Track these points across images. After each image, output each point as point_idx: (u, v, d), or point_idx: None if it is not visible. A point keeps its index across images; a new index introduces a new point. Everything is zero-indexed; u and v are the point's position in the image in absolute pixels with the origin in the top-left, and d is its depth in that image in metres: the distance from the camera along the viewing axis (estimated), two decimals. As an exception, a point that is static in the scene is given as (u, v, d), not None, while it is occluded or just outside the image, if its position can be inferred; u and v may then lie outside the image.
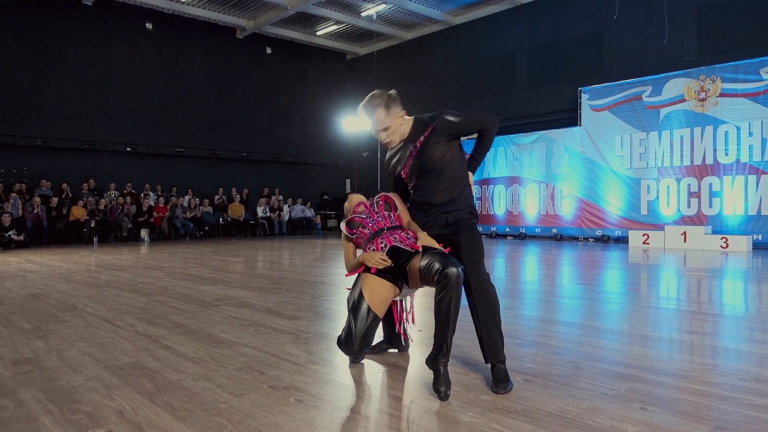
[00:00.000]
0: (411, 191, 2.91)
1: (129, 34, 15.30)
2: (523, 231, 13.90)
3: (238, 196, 16.06)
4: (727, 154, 10.60)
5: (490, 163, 14.68)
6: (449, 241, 2.63)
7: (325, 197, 18.76)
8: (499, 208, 14.52)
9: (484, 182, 14.82)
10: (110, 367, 2.77)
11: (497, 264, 7.99)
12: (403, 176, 2.85)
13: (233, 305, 4.51)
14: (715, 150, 10.74)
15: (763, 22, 10.77)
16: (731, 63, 10.55)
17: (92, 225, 12.80)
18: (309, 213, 17.27)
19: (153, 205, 14.13)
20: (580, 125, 12.78)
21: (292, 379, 2.57)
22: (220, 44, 16.95)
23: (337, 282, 6.04)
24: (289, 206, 16.91)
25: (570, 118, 13.30)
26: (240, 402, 2.26)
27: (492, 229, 14.57)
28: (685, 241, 10.53)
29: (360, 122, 16.10)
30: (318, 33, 18.09)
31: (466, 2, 15.51)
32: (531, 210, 13.79)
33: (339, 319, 4.01)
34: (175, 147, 16.01)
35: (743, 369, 2.70)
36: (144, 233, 13.51)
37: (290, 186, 18.00)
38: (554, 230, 13.22)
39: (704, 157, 10.88)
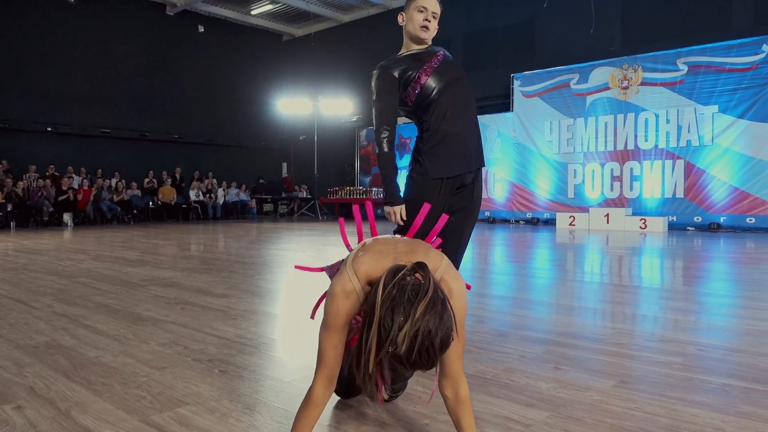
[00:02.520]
0: (427, 118, 2.26)
1: (48, 7, 14.37)
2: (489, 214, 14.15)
3: (170, 179, 15.53)
4: (646, 140, 11.18)
5: (426, 148, 14.83)
6: (453, 213, 2.23)
7: (261, 181, 18.43)
8: (434, 191, 14.72)
9: (421, 166, 14.98)
10: (22, 347, 2.64)
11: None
12: (422, 83, 2.22)
13: (160, 285, 4.38)
14: (636, 136, 11.30)
15: (681, 16, 11.37)
16: (651, 53, 11.10)
17: (9, 209, 12.06)
18: (244, 197, 16.94)
19: (76, 188, 13.44)
20: (512, 111, 13.13)
21: (217, 352, 2.54)
22: (149, 20, 16.22)
23: (271, 262, 5.98)
24: (223, 190, 16.51)
25: (503, 103, 13.63)
26: (161, 374, 2.21)
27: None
28: (608, 222, 11.06)
29: (296, 104, 15.77)
30: (253, 12, 17.63)
31: (402, -14, 15.53)
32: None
33: (269, 296, 3.98)
34: (101, 128, 15.26)
35: (651, 331, 2.89)
36: (67, 217, 12.85)
37: (225, 169, 17.55)
38: (487, 213, 13.56)
39: (626, 143, 11.43)
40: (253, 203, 17.10)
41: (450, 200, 2.25)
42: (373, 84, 2.36)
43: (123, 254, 6.69)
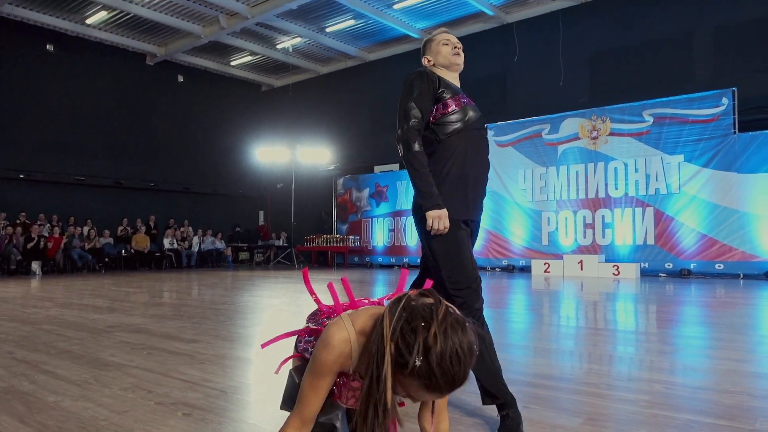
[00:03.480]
0: (444, 145, 2.12)
1: (26, 55, 14.47)
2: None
3: (144, 227, 15.35)
4: (616, 188, 11.47)
5: (403, 196, 15.00)
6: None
7: (237, 229, 18.32)
8: (411, 239, 14.79)
9: (397, 214, 15.09)
10: (-23, 392, 2.54)
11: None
12: (449, 107, 2.13)
13: (127, 331, 4.28)
14: (606, 184, 11.59)
15: (646, 70, 11.89)
16: (618, 105, 11.53)
17: (-25, 256, 11.75)
18: (220, 245, 16.78)
19: (47, 235, 13.19)
20: (486, 160, 13.38)
21: (181, 395, 2.47)
22: (128, 70, 16.39)
23: (244, 308, 5.89)
24: (199, 238, 16.35)
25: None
26: (121, 418, 2.14)
27: (404, 260, 14.78)
28: (581, 269, 11.18)
29: (274, 153, 15.85)
30: (232, 63, 17.97)
31: (379, 40, 16.03)
32: (442, 241, 14.15)
33: (240, 340, 3.92)
34: (75, 175, 15.13)
35: (621, 371, 2.90)
36: (35, 266, 12.55)
37: (201, 217, 17.44)
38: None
39: (597, 191, 11.70)
40: (229, 251, 16.94)
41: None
42: (409, 81, 2.18)
43: (92, 302, 6.53)
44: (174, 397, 2.43)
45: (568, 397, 2.41)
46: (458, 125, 2.10)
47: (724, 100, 10.39)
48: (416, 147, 2.05)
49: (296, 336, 1.61)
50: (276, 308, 5.95)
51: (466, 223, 2.10)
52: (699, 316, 5.34)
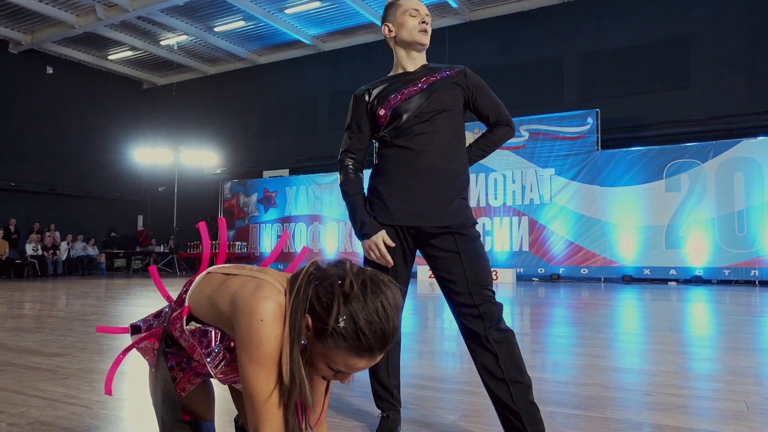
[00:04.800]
0: (386, 144, 1.94)
1: None
2: (324, 268, 14.20)
3: (2, 231, 13.87)
4: (496, 198, 12.17)
5: (292, 202, 14.85)
6: (435, 249, 1.89)
7: (113, 234, 17.13)
8: (300, 245, 14.67)
9: (285, 220, 14.91)
10: None
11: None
12: (385, 112, 1.92)
13: (-23, 346, 3.84)
14: (487, 194, 12.26)
15: (523, 89, 12.74)
16: (498, 120, 12.24)
17: None
18: (92, 251, 15.59)
19: None
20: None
21: (40, 414, 2.26)
22: (-14, 57, 14.82)
23: (117, 318, 5.52)
24: (68, 244, 15.07)
25: (367, 160, 14.07)
26: (-35, 442, 1.92)
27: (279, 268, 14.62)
28: (464, 274, 11.70)
29: (156, 154, 15.00)
30: (110, 57, 16.85)
31: (270, 43, 15.79)
32: (330, 248, 14.19)
33: (111, 353, 3.66)
34: None
35: (494, 371, 3.08)
36: None
37: (71, 221, 16.07)
38: (352, 267, 13.73)
39: (479, 200, 12.34)
40: (103, 258, 15.78)
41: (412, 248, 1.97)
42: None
43: (-66, 314, 5.79)
44: (31, 417, 2.22)
45: (445, 396, 2.52)
46: (392, 132, 1.90)
47: (589, 120, 11.40)
48: (342, 177, 1.97)
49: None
50: (153, 318, 5.63)
51: (402, 231, 1.90)
52: (566, 317, 5.79)
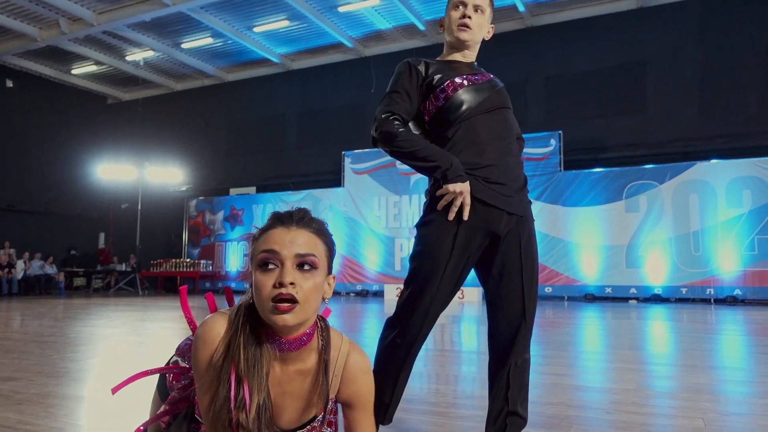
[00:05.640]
0: (448, 125, 1.77)
1: None
2: (290, 287, 14.09)
3: (-46, 249, 13.36)
4: (463, 217, 12.30)
5: (259, 220, 14.73)
6: (496, 257, 1.74)
7: (73, 252, 16.64)
8: (267, 264, 14.55)
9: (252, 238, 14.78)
10: None
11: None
12: (450, 92, 1.77)
13: (-74, 370, 3.68)
14: (454, 213, 12.39)
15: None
16: (465, 140, 12.46)
17: None
18: (51, 270, 15.10)
19: None
20: (343, 186, 13.68)
21: (-8, 442, 2.18)
22: (-59, 69, 14.37)
23: (76, 339, 5.36)
24: (24, 262, 14.58)
25: (335, 179, 14.16)
26: None
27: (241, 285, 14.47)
28: (431, 293, 11.76)
29: (119, 171, 14.71)
30: (74, 71, 16.54)
31: (238, 61, 15.76)
32: (298, 266, 14.11)
33: (68, 376, 3.55)
34: None
35: (463, 390, 3.10)
36: None
37: (29, 239, 15.56)
38: (320, 286, 13.67)
39: (446, 219, 12.46)
40: (61, 277, 15.30)
41: (475, 255, 1.74)
42: (392, 78, 1.87)
43: None
44: (-18, 444, 2.14)
45: (412, 417, 2.53)
46: (464, 112, 1.75)
47: (552, 141, 11.69)
48: (397, 130, 1.69)
49: (160, 374, 1.48)
50: (114, 339, 5.49)
51: (483, 225, 1.69)
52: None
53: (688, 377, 3.46)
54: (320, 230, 1.31)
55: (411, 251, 1.78)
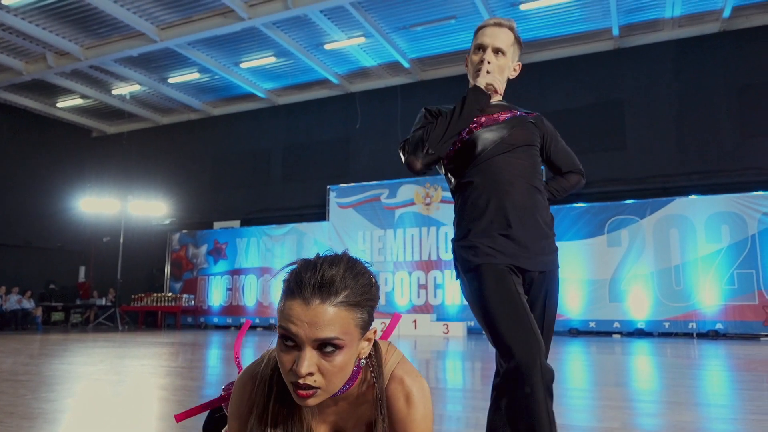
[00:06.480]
0: (464, 188, 1.78)
1: None
2: (273, 322, 13.91)
3: (-72, 283, 13.04)
4: (447, 252, 12.34)
5: (243, 253, 14.63)
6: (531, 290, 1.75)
7: (52, 286, 16.32)
8: (249, 298, 14.37)
9: (236, 272, 14.63)
10: None
11: (246, 354, 7.80)
12: (468, 132, 1.77)
13: None
14: (438, 247, 12.43)
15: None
16: (449, 175, 12.60)
17: None
18: (28, 304, 14.77)
19: None
20: (328, 220, 13.69)
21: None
22: (-76, 101, 14.26)
23: (52, 378, 5.22)
24: (1, 296, 14.26)
25: (319, 213, 14.17)
26: None
27: (241, 321, 14.25)
28: (415, 328, 11.70)
29: (102, 204, 14.56)
30: (59, 105, 16.53)
31: (224, 96, 15.89)
32: (282, 301, 13.97)
33: (43, 417, 3.45)
34: None
35: (448, 430, 3.06)
36: None
37: (7, 273, 15.27)
38: (303, 320, 13.52)
39: (430, 254, 12.50)
40: (39, 311, 14.96)
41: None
42: (413, 126, 1.91)
43: None
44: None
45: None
46: (482, 153, 1.74)
47: (536, 177, 11.85)
48: (415, 134, 1.77)
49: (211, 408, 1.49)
50: (91, 377, 5.36)
51: (517, 272, 1.68)
52: (515, 372, 5.83)
53: (674, 415, 3.47)
54: (351, 299, 1.11)
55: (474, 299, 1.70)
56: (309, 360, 1.06)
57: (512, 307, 1.60)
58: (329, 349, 1.08)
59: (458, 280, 1.78)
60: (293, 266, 1.14)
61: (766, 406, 3.78)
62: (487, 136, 1.75)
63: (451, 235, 1.82)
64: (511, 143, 1.76)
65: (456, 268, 1.77)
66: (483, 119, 1.77)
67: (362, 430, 1.23)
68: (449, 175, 1.85)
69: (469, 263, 1.67)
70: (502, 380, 1.61)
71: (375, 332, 1.21)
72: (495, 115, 1.80)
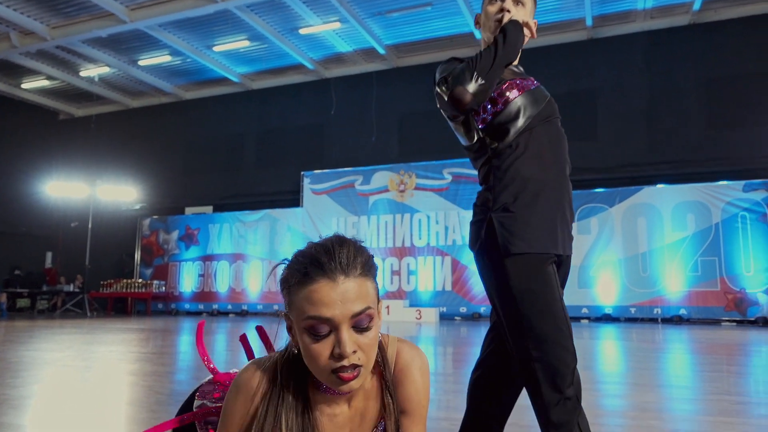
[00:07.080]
0: (504, 152, 1.61)
1: None
2: (245, 308, 13.84)
3: None
4: (420, 238, 12.42)
5: (215, 239, 14.49)
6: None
7: (17, 272, 15.93)
8: (222, 285, 14.26)
9: (207, 258, 14.49)
10: None
11: (218, 340, 7.76)
12: (508, 98, 1.60)
13: None
14: (411, 234, 12.50)
15: (446, 133, 13.18)
16: (423, 162, 12.65)
17: None
18: (-8, 291, 14.41)
19: None
20: (302, 206, 13.63)
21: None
22: None
23: (17, 364, 5.12)
24: (-37, 282, 13.88)
25: (293, 199, 14.09)
26: None
27: (214, 307, 14.16)
28: (388, 314, 11.77)
29: (69, 188, 14.27)
30: (24, 86, 16.04)
31: (197, 79, 15.61)
32: (254, 287, 13.89)
33: (7, 403, 3.40)
34: None
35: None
36: None
37: (-32, 258, 14.86)
38: (275, 307, 13.48)
39: (403, 240, 12.56)
40: (3, 298, 14.61)
41: None
42: (440, 72, 1.66)
43: None
44: None
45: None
46: (523, 120, 1.58)
47: (509, 165, 11.97)
48: (463, 64, 1.56)
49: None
50: (58, 363, 5.28)
51: (557, 261, 1.59)
52: (486, 356, 5.93)
53: (637, 396, 3.57)
54: (366, 265, 1.13)
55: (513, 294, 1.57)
56: (350, 338, 1.06)
57: (555, 310, 1.53)
58: (363, 323, 1.08)
59: (479, 252, 1.62)
60: (296, 258, 1.14)
61: (725, 386, 3.93)
62: (525, 104, 1.60)
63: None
64: (546, 114, 1.63)
65: (484, 239, 1.59)
66: (519, 81, 1.62)
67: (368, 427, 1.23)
68: (486, 139, 1.64)
69: (511, 246, 1.52)
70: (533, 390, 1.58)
71: (381, 302, 1.21)
72: (525, 81, 1.64)
